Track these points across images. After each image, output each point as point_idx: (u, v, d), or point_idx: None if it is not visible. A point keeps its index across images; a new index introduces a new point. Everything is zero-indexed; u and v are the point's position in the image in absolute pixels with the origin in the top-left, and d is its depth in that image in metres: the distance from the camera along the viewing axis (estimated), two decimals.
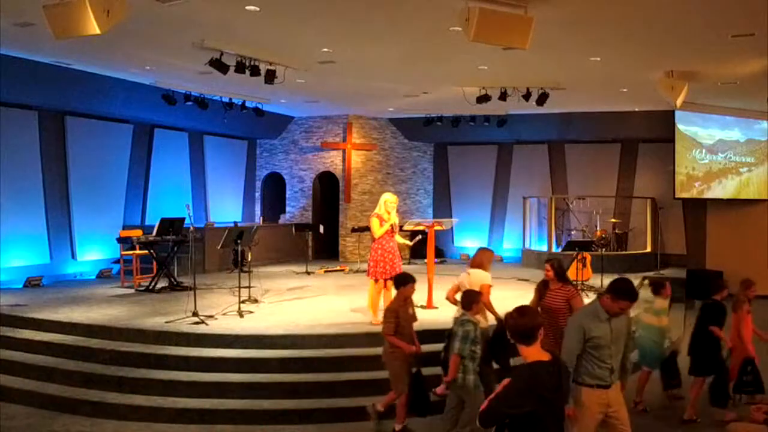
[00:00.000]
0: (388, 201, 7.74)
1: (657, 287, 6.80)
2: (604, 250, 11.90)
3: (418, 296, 9.16)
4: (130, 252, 10.49)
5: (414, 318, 5.99)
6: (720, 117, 13.54)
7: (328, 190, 15.87)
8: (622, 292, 4.16)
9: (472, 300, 5.60)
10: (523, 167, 15.69)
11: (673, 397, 6.75)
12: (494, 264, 15.19)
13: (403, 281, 5.91)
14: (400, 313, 5.74)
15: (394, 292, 7.88)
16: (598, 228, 13.80)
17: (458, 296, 6.05)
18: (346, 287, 10.70)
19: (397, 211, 7.98)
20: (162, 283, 10.14)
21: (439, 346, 7.17)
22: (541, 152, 15.51)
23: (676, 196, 13.58)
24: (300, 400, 6.30)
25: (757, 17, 6.89)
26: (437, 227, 9.13)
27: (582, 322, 4.24)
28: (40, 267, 11.02)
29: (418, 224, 10.69)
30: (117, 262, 11.70)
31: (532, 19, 6.38)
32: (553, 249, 13.91)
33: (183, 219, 9.95)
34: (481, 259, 6.47)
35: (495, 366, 5.93)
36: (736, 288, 6.66)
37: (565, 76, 10.29)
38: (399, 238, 8.13)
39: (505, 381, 3.09)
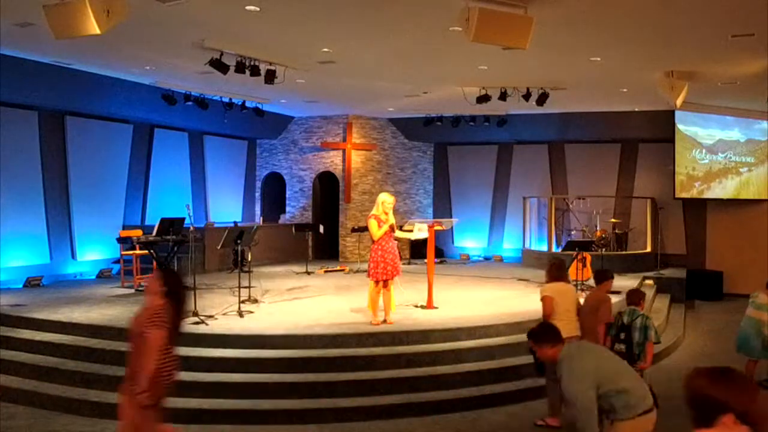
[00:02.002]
0: (386, 202, 7.71)
1: None
2: (604, 250, 11.91)
3: (419, 296, 9.22)
4: (130, 252, 10.48)
5: None
6: (720, 117, 13.54)
7: (328, 190, 15.87)
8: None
9: (641, 297, 6.22)
10: (523, 167, 15.69)
11: None
12: (494, 264, 15.20)
13: (606, 276, 6.36)
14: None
15: (393, 292, 7.95)
16: (598, 228, 13.81)
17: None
18: (346, 287, 10.71)
19: (395, 211, 7.96)
20: None
21: (445, 346, 7.24)
22: (541, 152, 15.51)
23: (676, 196, 13.58)
24: (300, 400, 6.30)
25: (757, 17, 6.89)
26: (437, 227, 9.13)
27: None
28: (40, 267, 11.02)
29: (419, 227, 10.68)
30: (117, 262, 11.70)
31: (532, 19, 6.38)
32: (554, 249, 13.92)
33: (183, 219, 9.94)
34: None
35: None
36: (744, 286, 6.97)
37: (565, 76, 10.29)
38: (401, 233, 8.12)
39: None
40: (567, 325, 5.52)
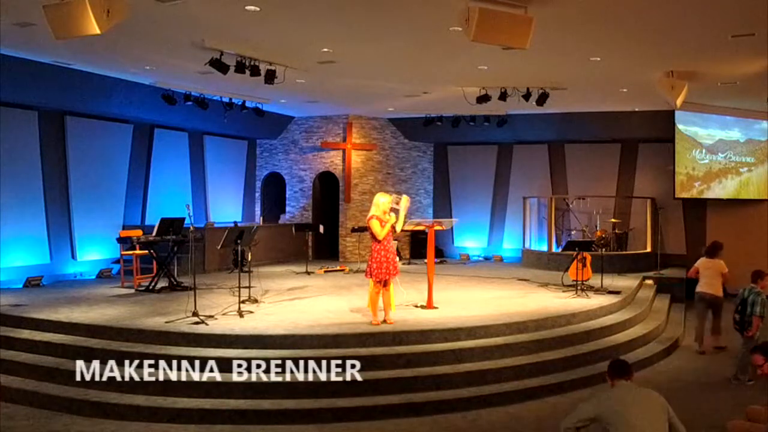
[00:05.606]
0: (386, 202, 7.72)
1: None
2: (604, 250, 11.89)
3: (419, 296, 9.22)
4: (130, 252, 10.48)
5: None
6: (720, 117, 13.54)
7: (328, 190, 15.87)
8: None
9: (759, 276, 7.67)
10: (523, 167, 15.68)
11: None
12: (494, 264, 15.18)
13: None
14: None
15: (393, 291, 7.94)
16: (598, 228, 13.80)
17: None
18: (346, 287, 10.70)
19: (391, 210, 7.84)
20: (162, 283, 10.14)
21: (445, 346, 7.24)
22: (541, 152, 15.50)
23: (676, 196, 13.58)
24: (300, 400, 6.30)
25: (757, 17, 6.90)
26: (437, 227, 9.13)
27: None
28: (40, 267, 11.02)
29: (418, 224, 10.71)
30: (117, 262, 11.70)
31: (532, 19, 6.38)
32: (554, 249, 13.92)
33: (183, 219, 9.95)
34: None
35: None
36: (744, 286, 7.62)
37: (565, 76, 10.29)
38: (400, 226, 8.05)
39: None
40: (703, 286, 8.74)
